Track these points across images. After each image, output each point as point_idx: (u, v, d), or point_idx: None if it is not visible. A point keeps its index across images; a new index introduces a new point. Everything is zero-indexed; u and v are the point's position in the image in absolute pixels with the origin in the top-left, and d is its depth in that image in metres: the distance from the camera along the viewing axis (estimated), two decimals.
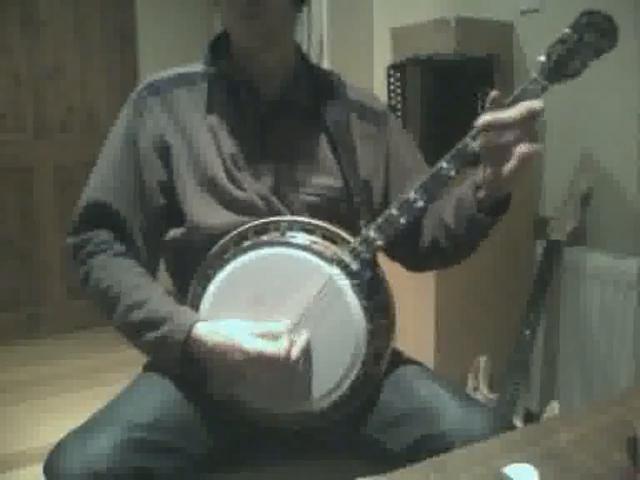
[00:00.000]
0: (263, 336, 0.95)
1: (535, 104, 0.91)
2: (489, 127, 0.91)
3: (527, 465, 0.76)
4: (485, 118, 0.91)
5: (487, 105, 0.94)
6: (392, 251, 1.15)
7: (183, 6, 3.45)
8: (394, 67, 1.97)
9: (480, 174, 0.98)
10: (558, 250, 1.80)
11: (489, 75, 1.83)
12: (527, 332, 1.68)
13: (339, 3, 2.57)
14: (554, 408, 1.67)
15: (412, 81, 1.90)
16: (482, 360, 1.80)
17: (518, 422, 1.67)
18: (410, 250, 1.15)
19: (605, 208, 1.83)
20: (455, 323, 1.85)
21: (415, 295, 1.83)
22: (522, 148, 0.90)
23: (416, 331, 1.85)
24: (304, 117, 1.13)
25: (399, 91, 1.95)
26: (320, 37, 2.59)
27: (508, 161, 0.91)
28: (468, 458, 0.83)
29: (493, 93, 0.94)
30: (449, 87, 1.83)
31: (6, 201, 3.20)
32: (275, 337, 0.95)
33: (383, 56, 2.44)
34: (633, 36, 1.65)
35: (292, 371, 0.97)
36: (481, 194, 0.99)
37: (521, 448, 0.84)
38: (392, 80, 1.97)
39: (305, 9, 1.12)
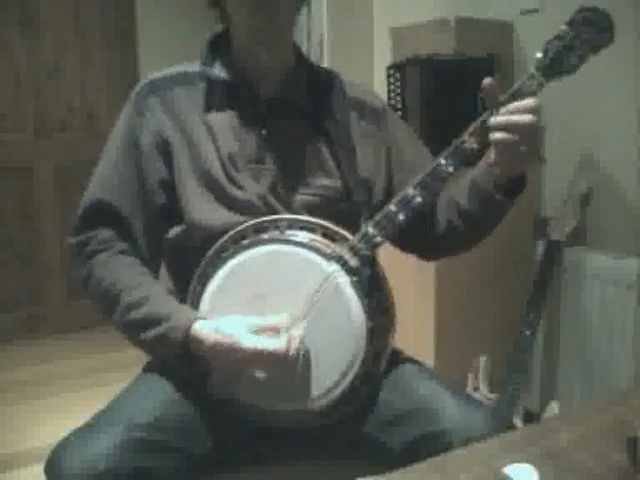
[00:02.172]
0: (262, 332, 0.95)
1: (530, 101, 0.93)
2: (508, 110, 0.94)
3: (527, 465, 0.76)
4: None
5: (482, 93, 0.95)
6: (406, 239, 1.15)
7: (183, 6, 3.44)
8: (394, 67, 1.97)
9: (491, 155, 0.98)
10: (558, 250, 1.80)
11: (489, 75, 1.81)
12: (527, 332, 1.68)
13: (339, 3, 2.57)
14: (554, 408, 1.67)
15: (412, 81, 1.90)
16: (482, 360, 1.80)
17: (518, 422, 1.67)
18: (425, 236, 1.15)
19: (605, 208, 1.83)
20: (455, 323, 1.85)
21: (415, 295, 1.83)
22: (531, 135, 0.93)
23: (416, 331, 1.85)
24: (303, 116, 1.13)
25: (399, 91, 1.95)
26: (320, 37, 2.59)
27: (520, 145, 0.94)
28: (468, 458, 0.83)
29: (487, 80, 0.95)
30: (449, 87, 1.82)
31: (6, 201, 3.20)
32: (274, 332, 0.95)
33: (383, 56, 2.45)
34: (633, 36, 1.65)
35: (291, 368, 0.97)
36: (495, 171, 0.99)
37: (521, 448, 0.84)
38: (392, 80, 1.97)
39: (305, 9, 1.12)
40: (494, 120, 0.94)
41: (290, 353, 0.94)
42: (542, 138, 0.96)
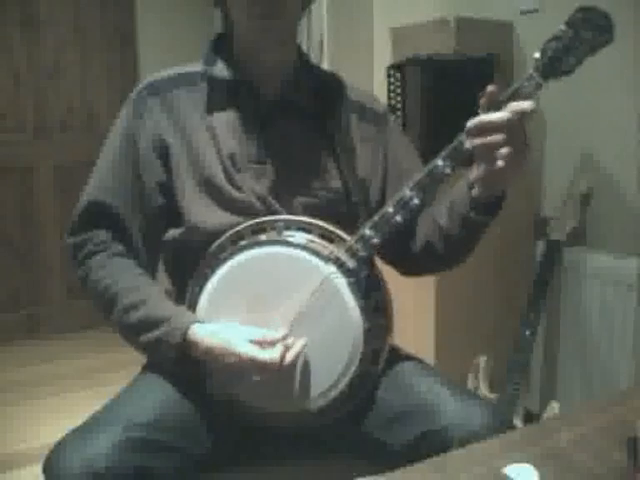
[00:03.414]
0: (259, 343, 0.95)
1: (524, 104, 0.91)
2: (478, 129, 0.91)
3: (527, 465, 0.76)
4: (474, 121, 0.91)
5: (482, 99, 0.94)
6: (385, 255, 1.15)
7: (183, 6, 3.44)
8: (394, 67, 1.97)
9: (473, 172, 0.97)
10: (558, 250, 1.80)
11: (489, 75, 1.83)
12: (527, 332, 1.68)
13: (339, 3, 2.57)
14: (554, 408, 1.67)
15: (412, 81, 1.90)
16: (482, 360, 1.80)
17: (518, 422, 1.67)
18: (403, 253, 1.14)
19: (605, 208, 1.83)
20: (455, 323, 1.85)
21: (415, 295, 1.83)
22: (506, 150, 0.89)
23: (416, 331, 1.85)
24: (304, 118, 1.13)
25: (399, 91, 1.95)
26: (320, 37, 2.59)
27: (498, 161, 0.91)
28: (468, 458, 0.83)
29: (489, 88, 0.93)
30: (449, 87, 1.82)
31: (6, 201, 3.20)
32: (271, 344, 0.95)
33: (383, 56, 2.44)
34: (632, 35, 1.65)
35: (286, 376, 0.97)
36: (474, 192, 0.98)
37: (521, 448, 0.84)
38: (392, 80, 1.97)
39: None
40: (470, 123, 0.91)
41: (285, 364, 0.94)
42: (527, 146, 0.93)
